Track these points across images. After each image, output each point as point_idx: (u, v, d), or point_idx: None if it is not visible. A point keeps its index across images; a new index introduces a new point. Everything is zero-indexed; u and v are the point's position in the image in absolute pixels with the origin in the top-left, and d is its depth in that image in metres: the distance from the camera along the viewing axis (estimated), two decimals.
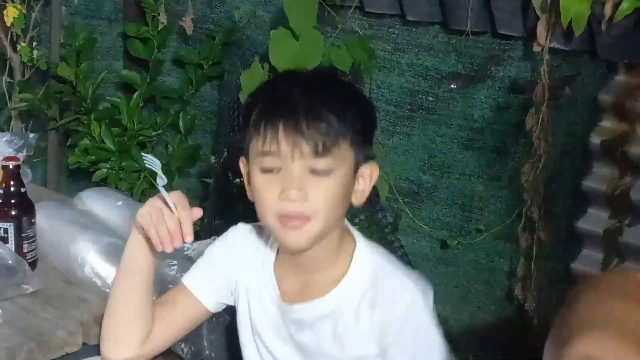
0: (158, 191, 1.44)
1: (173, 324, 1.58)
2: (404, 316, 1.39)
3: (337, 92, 1.43)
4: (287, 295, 1.50)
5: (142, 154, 1.56)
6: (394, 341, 1.40)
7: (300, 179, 1.36)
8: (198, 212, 1.45)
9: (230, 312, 1.63)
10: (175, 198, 1.44)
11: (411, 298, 1.41)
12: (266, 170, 1.38)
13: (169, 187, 2.68)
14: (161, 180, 1.43)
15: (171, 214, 1.42)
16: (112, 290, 1.56)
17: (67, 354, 1.65)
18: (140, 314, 1.53)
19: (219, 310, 1.61)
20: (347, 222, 1.50)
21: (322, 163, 1.36)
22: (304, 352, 1.49)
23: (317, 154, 1.35)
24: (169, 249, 1.43)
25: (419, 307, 1.41)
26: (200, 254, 1.67)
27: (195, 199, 2.94)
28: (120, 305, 1.54)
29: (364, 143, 1.43)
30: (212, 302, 1.59)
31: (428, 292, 1.44)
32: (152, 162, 1.46)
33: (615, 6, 1.95)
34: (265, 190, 1.39)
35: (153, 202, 1.44)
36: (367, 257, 1.46)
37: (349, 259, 1.45)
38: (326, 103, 1.37)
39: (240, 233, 1.59)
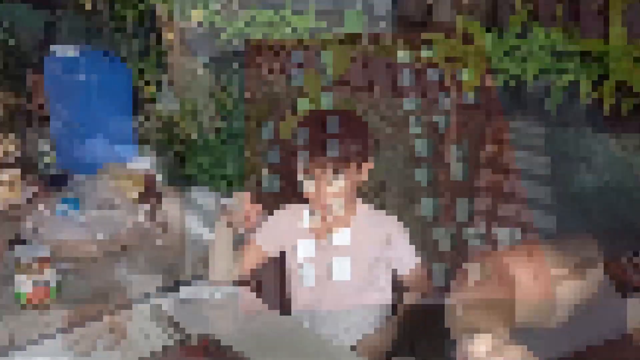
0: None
1: (248, 264, 1.96)
2: (395, 231, 1.90)
3: (342, 131, 1.78)
4: (318, 234, 1.91)
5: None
6: (392, 245, 1.88)
7: (327, 188, 1.81)
8: (258, 208, 1.85)
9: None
10: (245, 201, 1.83)
11: (397, 224, 1.92)
12: (307, 178, 1.83)
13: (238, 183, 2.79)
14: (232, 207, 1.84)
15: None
16: (213, 246, 1.94)
17: (193, 276, 2.04)
18: (227, 258, 1.93)
19: (277, 254, 1.99)
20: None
21: (338, 178, 1.81)
22: (329, 272, 1.90)
23: (333, 174, 1.80)
24: (242, 231, 1.90)
25: (401, 229, 1.92)
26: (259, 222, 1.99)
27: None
28: (216, 254, 1.93)
29: (365, 153, 1.83)
30: (273, 251, 1.97)
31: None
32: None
33: None
34: (307, 190, 1.84)
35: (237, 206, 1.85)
36: (365, 207, 1.93)
37: (354, 209, 1.91)
38: (336, 145, 1.77)
39: (287, 210, 2.00)
